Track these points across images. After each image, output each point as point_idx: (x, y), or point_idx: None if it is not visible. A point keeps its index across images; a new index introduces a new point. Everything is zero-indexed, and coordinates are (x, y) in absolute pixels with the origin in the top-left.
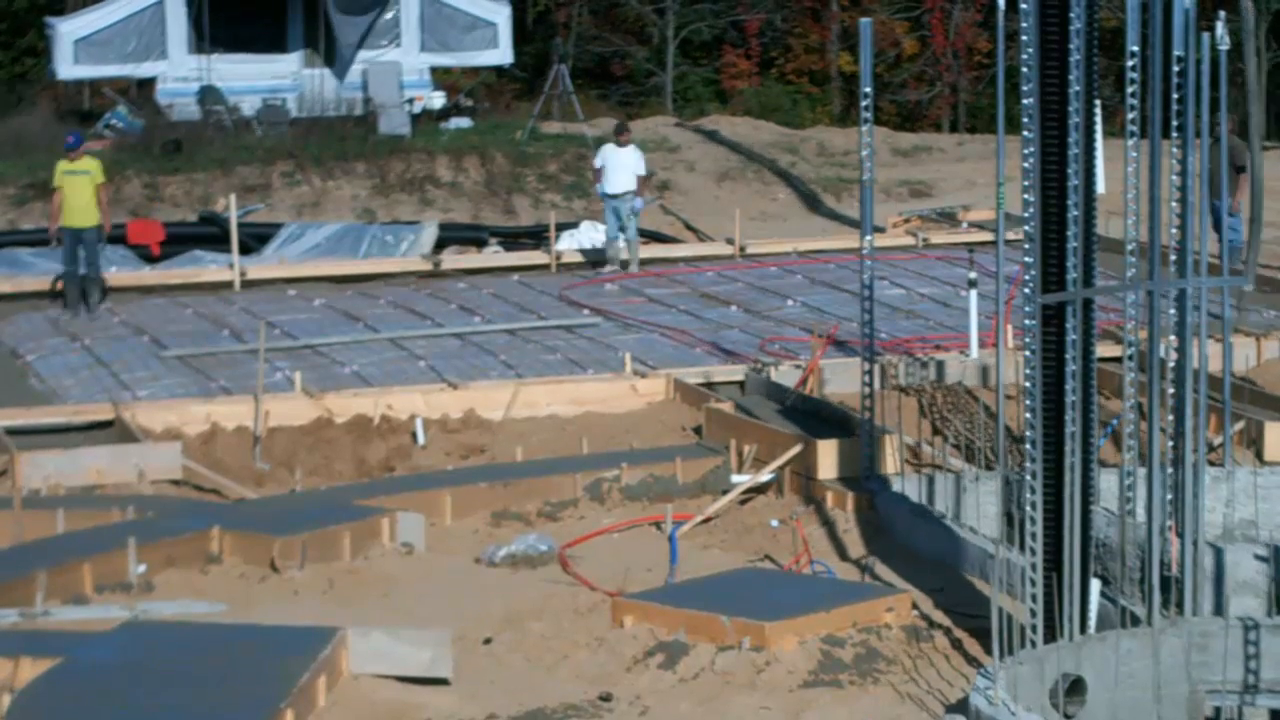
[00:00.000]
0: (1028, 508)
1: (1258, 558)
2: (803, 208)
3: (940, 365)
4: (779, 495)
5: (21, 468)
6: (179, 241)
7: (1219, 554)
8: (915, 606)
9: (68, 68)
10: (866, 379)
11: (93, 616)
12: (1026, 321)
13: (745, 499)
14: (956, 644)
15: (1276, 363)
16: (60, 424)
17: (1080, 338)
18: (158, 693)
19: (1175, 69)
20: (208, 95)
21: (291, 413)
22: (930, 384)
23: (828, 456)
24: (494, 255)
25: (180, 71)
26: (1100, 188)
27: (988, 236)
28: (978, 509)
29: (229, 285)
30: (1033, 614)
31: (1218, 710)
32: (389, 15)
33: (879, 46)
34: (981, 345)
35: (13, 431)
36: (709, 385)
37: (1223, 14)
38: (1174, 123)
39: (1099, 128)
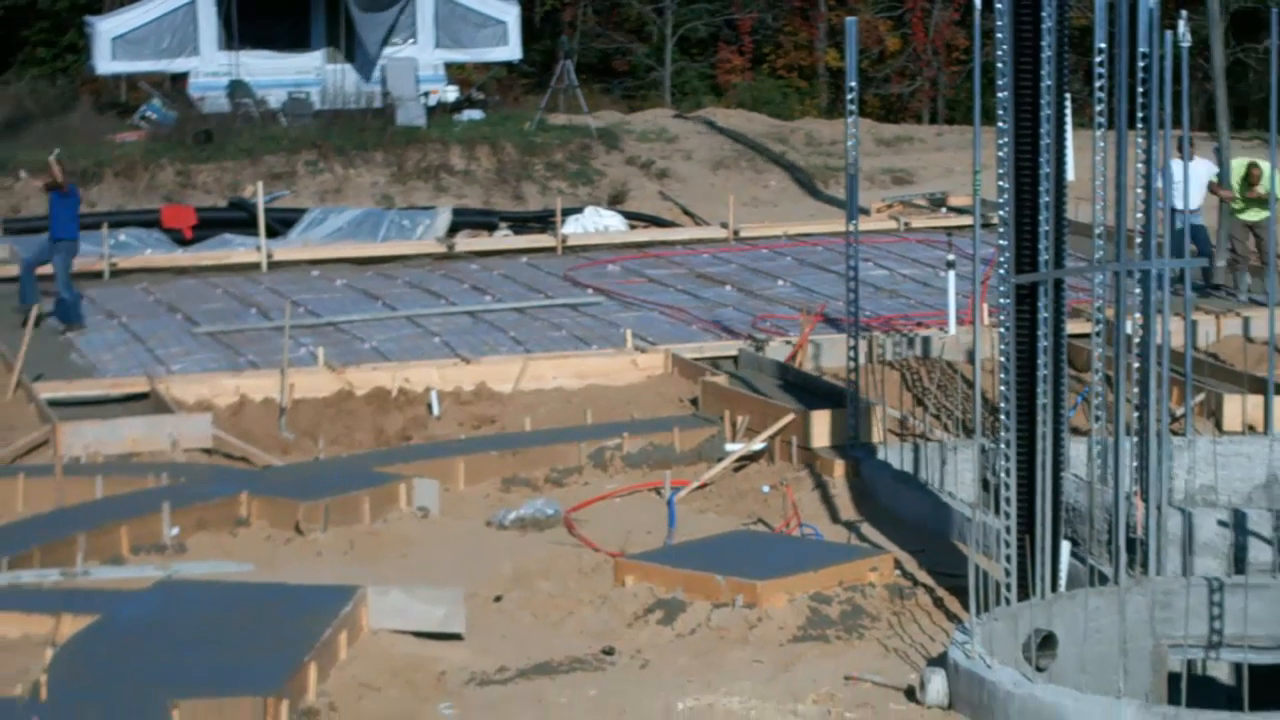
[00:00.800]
0: (1003, 474)
1: (1220, 523)
2: (792, 194)
3: (926, 341)
4: (770, 463)
5: (63, 437)
6: (210, 225)
7: (1187, 517)
8: (898, 566)
9: (106, 63)
10: (852, 354)
11: (129, 576)
12: (1001, 300)
13: (739, 466)
14: (938, 602)
15: (1235, 339)
16: (99, 396)
17: (1052, 315)
18: (190, 647)
19: (1140, 65)
20: (237, 89)
21: (315, 385)
22: (914, 359)
23: (816, 426)
24: (504, 238)
25: (211, 67)
26: (1070, 175)
27: (965, 221)
28: (956, 475)
29: (256, 266)
30: (1007, 573)
31: (1190, 664)
32: (406, 14)
33: (863, 44)
34: (959, 323)
35: (54, 403)
36: (712, 362)
37: (1184, 13)
38: (1139, 115)
39: (1069, 119)
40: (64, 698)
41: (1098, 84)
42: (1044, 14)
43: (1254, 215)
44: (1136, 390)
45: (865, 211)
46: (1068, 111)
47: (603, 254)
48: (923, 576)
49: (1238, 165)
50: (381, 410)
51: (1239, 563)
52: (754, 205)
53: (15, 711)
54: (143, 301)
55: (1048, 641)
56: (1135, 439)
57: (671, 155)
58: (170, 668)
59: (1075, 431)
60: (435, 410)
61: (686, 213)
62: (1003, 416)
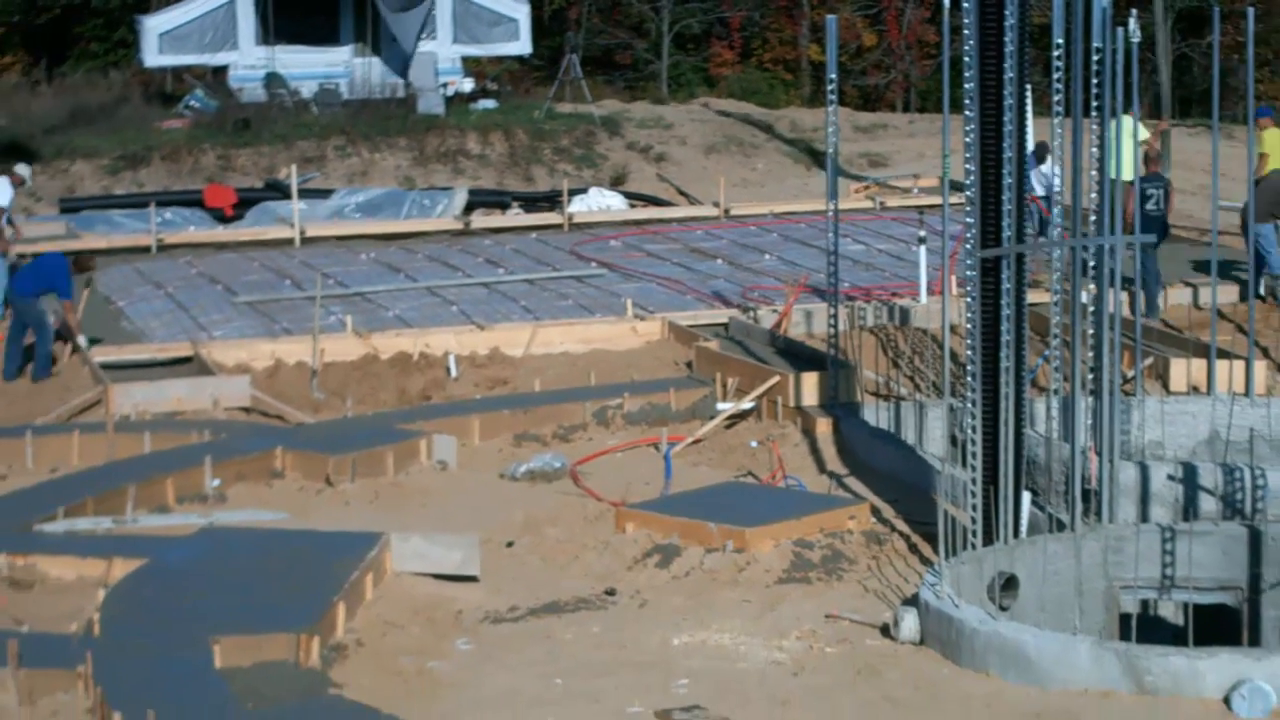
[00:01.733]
0: (969, 431)
1: (1169, 476)
2: (778, 176)
3: (905, 311)
4: (758, 420)
5: (114, 397)
6: (248, 204)
7: (1142, 470)
8: (875, 514)
9: (154, 57)
10: (832, 321)
11: (174, 523)
12: (968, 273)
13: (729, 424)
14: (911, 547)
15: (1180, 307)
16: (147, 360)
17: (1014, 286)
18: (230, 588)
19: (1094, 58)
20: (272, 80)
21: (343, 350)
22: (890, 326)
23: (800, 387)
24: (515, 216)
25: (249, 60)
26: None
27: (935, 200)
28: (928, 432)
29: (290, 242)
30: (974, 521)
31: (1146, 605)
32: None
33: (843, 39)
34: (930, 293)
35: (106, 366)
36: (710, 328)
37: (1134, 11)
38: (1093, 104)
39: (1029, 108)
40: (115, 634)
41: (1055, 75)
42: (1007, 12)
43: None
44: (1091, 354)
45: (844, 170)
46: (1028, 101)
47: (605, 230)
48: (897, 524)
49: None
50: (404, 372)
51: (1185, 511)
52: (743, 186)
53: (71, 647)
54: (186, 274)
55: (1010, 583)
56: (1090, 398)
57: (668, 141)
58: (212, 607)
59: (1034, 387)
60: (453, 372)
61: (681, 193)
62: (969, 378)
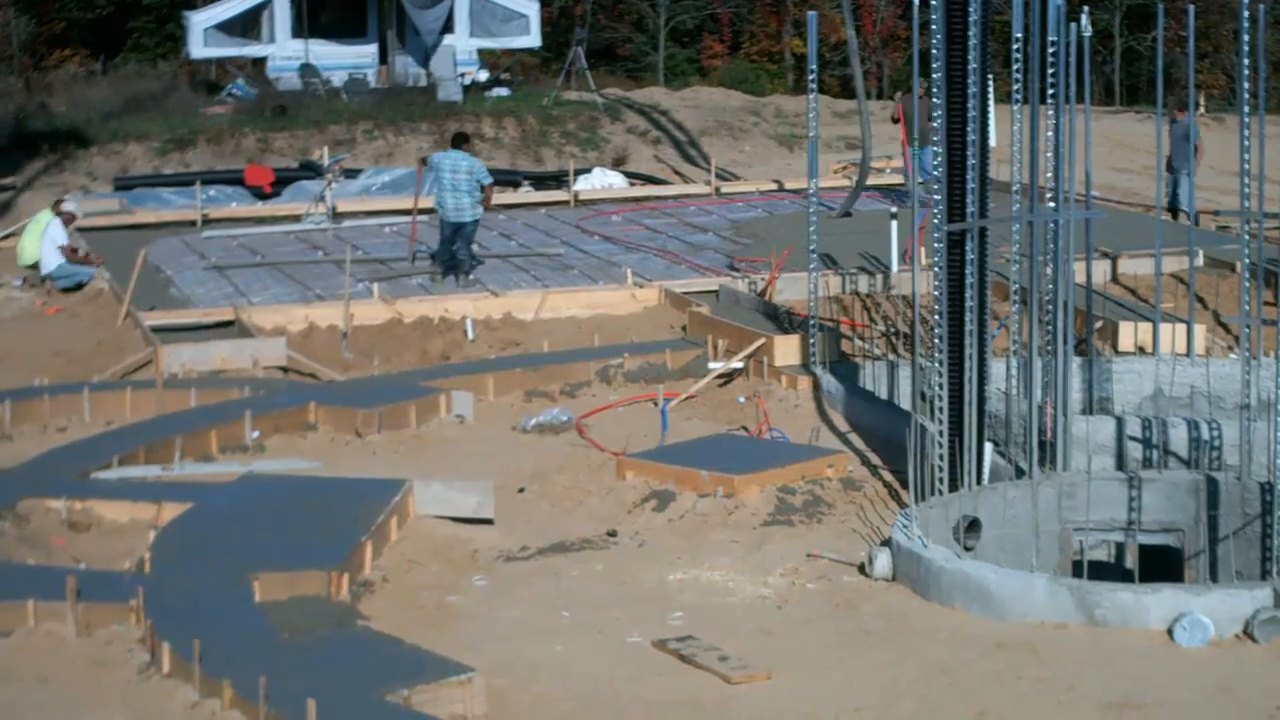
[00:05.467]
0: (937, 388)
1: (1132, 437)
2: (763, 158)
3: (877, 278)
4: (746, 378)
5: (163, 357)
6: (284, 183)
7: (1118, 422)
8: (861, 461)
9: (199, 49)
10: (812, 288)
11: (217, 471)
12: (935, 245)
13: (722, 382)
14: (893, 493)
15: (1128, 276)
16: (192, 323)
17: (977, 257)
18: (268, 529)
19: (1050, 51)
20: (306, 71)
21: (371, 314)
22: (868, 293)
23: (783, 348)
24: (526, 194)
25: (286, 52)
26: (992, 142)
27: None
28: (899, 388)
29: (324, 216)
30: (940, 469)
31: (1119, 547)
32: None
33: (822, 33)
34: (901, 263)
35: (156, 329)
36: (707, 295)
37: (1086, 8)
38: (1049, 92)
39: (991, 96)
40: (164, 571)
41: (1015, 66)
42: (970, 9)
43: None
44: (1047, 318)
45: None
46: (990, 89)
47: (607, 207)
48: (874, 472)
49: None
50: (425, 335)
51: (1130, 460)
52: (732, 166)
53: (124, 583)
54: (229, 245)
55: (974, 525)
56: (1045, 358)
57: (665, 125)
58: (252, 546)
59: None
60: (470, 335)
61: (676, 173)
62: (936, 340)
